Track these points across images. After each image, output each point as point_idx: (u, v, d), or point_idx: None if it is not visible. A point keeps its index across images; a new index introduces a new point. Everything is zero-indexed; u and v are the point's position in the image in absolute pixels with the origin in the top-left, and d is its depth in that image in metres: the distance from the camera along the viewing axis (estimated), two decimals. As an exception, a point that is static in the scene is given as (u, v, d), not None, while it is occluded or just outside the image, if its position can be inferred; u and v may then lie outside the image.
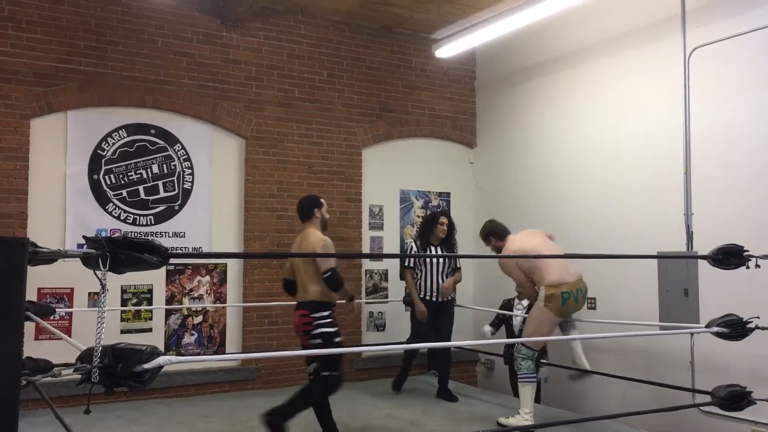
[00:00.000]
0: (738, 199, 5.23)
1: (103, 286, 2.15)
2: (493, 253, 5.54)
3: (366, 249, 7.34)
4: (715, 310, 4.10)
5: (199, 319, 6.52)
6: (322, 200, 4.91)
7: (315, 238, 4.64)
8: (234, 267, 6.70)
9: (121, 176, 6.22)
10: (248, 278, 6.68)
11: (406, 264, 6.36)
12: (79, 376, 2.04)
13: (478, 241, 5.75)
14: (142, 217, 6.29)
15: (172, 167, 6.45)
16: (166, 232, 6.36)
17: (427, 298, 6.16)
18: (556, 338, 5.45)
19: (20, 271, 1.82)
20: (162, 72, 6.40)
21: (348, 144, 7.34)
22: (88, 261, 2.18)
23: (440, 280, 6.16)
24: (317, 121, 7.16)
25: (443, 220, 6.24)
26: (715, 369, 5.25)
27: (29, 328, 4.77)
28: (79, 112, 6.07)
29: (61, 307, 5.62)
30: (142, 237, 2.26)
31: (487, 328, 6.30)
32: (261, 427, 4.48)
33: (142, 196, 6.30)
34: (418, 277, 6.22)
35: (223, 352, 6.50)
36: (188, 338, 6.44)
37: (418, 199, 7.85)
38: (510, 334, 6.21)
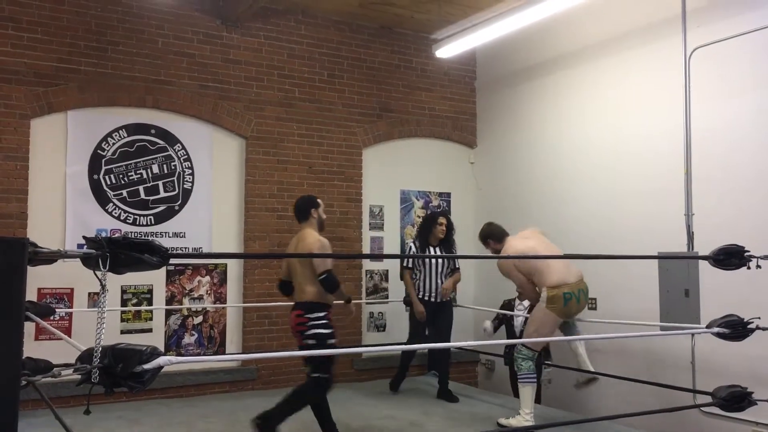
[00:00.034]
0: (739, 199, 5.23)
1: (103, 287, 2.15)
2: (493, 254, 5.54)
3: (366, 249, 7.33)
4: (715, 311, 4.09)
5: (199, 319, 6.52)
6: (319, 200, 4.90)
7: (312, 239, 4.63)
8: (234, 267, 6.69)
9: (121, 176, 6.22)
10: (248, 278, 6.68)
11: (405, 264, 6.35)
12: (79, 377, 2.03)
13: (479, 241, 5.74)
14: (142, 218, 6.29)
15: (173, 167, 6.45)
16: (166, 233, 6.36)
17: (426, 298, 6.16)
18: (556, 339, 5.45)
19: (20, 271, 1.82)
20: (162, 72, 6.40)
21: (348, 144, 7.33)
22: (88, 261, 2.18)
23: (439, 281, 6.15)
24: (317, 121, 7.15)
25: (442, 220, 6.24)
26: (716, 369, 5.24)
27: (29, 328, 4.77)
28: (79, 112, 6.07)
29: (61, 308, 5.62)
30: (142, 237, 2.25)
31: (488, 323, 6.29)
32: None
33: (142, 196, 6.29)
34: (417, 277, 6.21)
35: (223, 353, 6.50)
36: (188, 338, 6.44)
37: (418, 200, 7.84)
38: (510, 334, 6.20)
